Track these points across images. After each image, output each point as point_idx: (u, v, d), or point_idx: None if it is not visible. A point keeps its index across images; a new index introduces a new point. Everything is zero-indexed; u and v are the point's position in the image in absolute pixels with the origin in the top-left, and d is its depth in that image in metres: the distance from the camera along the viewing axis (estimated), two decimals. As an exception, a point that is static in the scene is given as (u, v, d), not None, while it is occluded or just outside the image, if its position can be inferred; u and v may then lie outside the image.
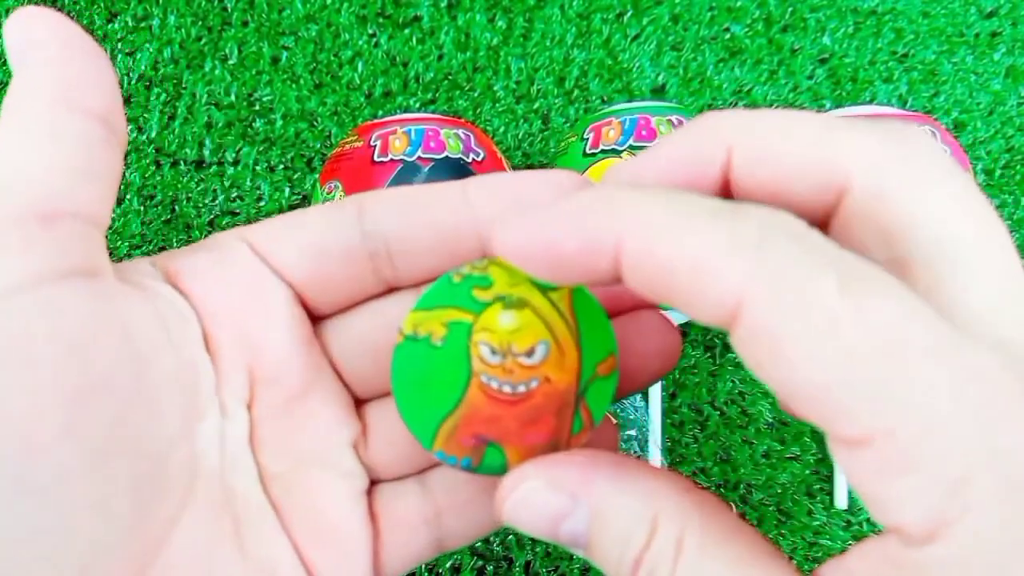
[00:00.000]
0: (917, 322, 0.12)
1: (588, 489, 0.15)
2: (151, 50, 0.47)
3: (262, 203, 0.45)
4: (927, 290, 0.13)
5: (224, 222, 0.45)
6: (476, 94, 0.47)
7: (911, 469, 0.11)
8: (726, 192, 0.15)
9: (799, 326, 0.12)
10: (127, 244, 0.45)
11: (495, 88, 0.47)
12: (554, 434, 0.16)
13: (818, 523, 0.42)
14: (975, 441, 0.11)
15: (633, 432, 0.42)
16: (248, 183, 0.46)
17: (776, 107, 0.46)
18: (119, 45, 0.47)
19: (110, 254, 0.50)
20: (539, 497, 0.15)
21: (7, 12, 0.47)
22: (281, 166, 0.46)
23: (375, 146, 0.37)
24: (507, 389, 0.16)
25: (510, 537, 0.42)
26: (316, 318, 0.19)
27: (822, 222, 0.15)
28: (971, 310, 0.13)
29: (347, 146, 0.38)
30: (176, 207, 0.45)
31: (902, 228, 0.13)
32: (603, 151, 0.37)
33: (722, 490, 0.42)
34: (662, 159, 0.15)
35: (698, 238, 0.12)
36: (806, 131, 0.14)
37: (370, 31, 0.47)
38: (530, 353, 0.16)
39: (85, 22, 0.47)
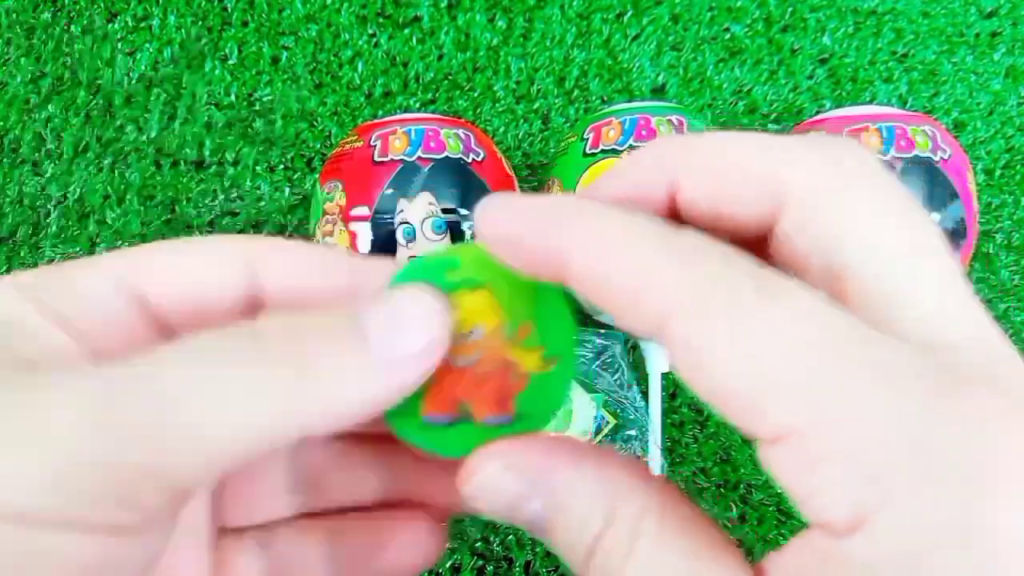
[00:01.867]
0: (830, 323, 0.12)
1: (547, 474, 0.15)
2: (151, 50, 0.47)
3: (262, 203, 0.45)
4: (860, 299, 0.13)
5: (224, 222, 0.45)
6: (476, 94, 0.47)
7: (826, 463, 0.12)
8: (674, 215, 0.16)
9: (717, 330, 0.12)
10: (127, 244, 0.45)
11: (495, 88, 0.47)
12: (500, 390, 0.19)
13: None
14: (890, 434, 0.11)
15: (633, 432, 0.42)
16: (248, 183, 0.46)
17: (778, 109, 0.46)
18: (119, 45, 0.47)
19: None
20: (498, 481, 0.16)
21: (7, 12, 0.47)
22: (281, 166, 0.46)
23: (375, 146, 0.37)
24: (460, 362, 0.18)
25: (510, 537, 0.42)
26: None
27: (763, 237, 0.15)
28: (903, 316, 0.13)
29: (347, 146, 0.38)
30: (176, 207, 0.45)
31: (835, 241, 0.14)
32: (603, 151, 0.37)
33: (722, 490, 0.42)
34: (612, 188, 0.16)
35: (633, 256, 0.13)
36: (743, 149, 0.15)
37: (370, 31, 0.47)
38: (476, 331, 0.19)
39: (85, 22, 0.47)
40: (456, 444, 0.18)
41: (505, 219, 0.15)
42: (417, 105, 0.47)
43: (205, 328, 0.15)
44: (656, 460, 0.42)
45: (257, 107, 0.46)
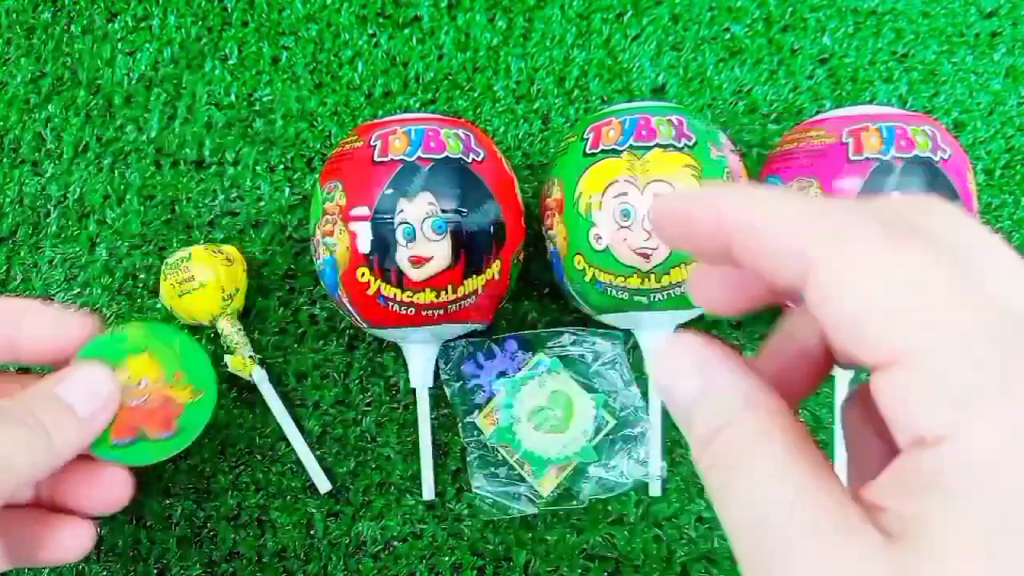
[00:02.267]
0: (943, 266, 0.14)
1: (708, 362, 0.18)
2: (151, 50, 0.47)
3: (262, 203, 0.45)
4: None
5: (224, 222, 0.45)
6: (476, 94, 0.47)
7: (929, 382, 0.14)
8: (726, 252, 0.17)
9: (851, 264, 0.15)
10: (127, 244, 0.45)
11: (495, 88, 0.47)
12: (165, 416, 0.31)
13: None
14: (988, 361, 0.13)
15: (633, 432, 0.42)
16: (248, 183, 0.46)
17: (778, 109, 0.46)
18: (119, 45, 0.47)
19: (111, 254, 0.50)
20: (679, 360, 0.19)
21: (7, 12, 0.47)
22: (281, 166, 0.46)
23: (375, 146, 0.37)
24: (134, 403, 0.31)
25: (510, 536, 0.42)
26: None
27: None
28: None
29: (347, 146, 0.38)
30: (176, 207, 0.45)
31: (850, 326, 0.15)
32: (603, 151, 0.37)
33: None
34: (675, 209, 0.19)
35: (781, 209, 0.16)
36: (776, 217, 0.16)
37: (370, 31, 0.47)
38: (143, 381, 0.31)
39: (85, 22, 0.47)
40: (138, 456, 0.31)
41: (674, 202, 0.18)
42: (417, 105, 0.47)
43: None
44: (656, 460, 0.42)
45: (257, 107, 0.46)
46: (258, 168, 0.46)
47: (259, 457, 0.43)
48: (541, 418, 0.41)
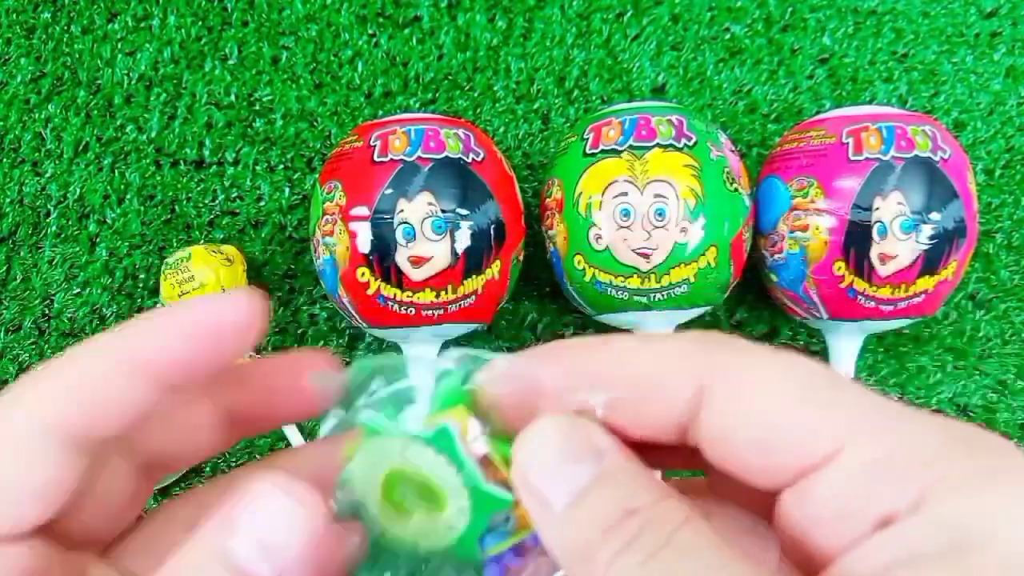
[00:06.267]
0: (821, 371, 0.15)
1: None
2: (151, 50, 0.47)
3: (262, 203, 0.45)
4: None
5: (224, 222, 0.45)
6: (476, 94, 0.47)
7: (881, 461, 0.14)
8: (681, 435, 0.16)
9: (755, 377, 0.15)
10: (127, 244, 0.45)
11: (495, 88, 0.47)
12: None
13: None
14: (926, 435, 0.14)
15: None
16: (248, 183, 0.46)
17: (779, 109, 0.46)
18: (119, 45, 0.47)
19: (111, 254, 0.49)
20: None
21: (7, 12, 0.47)
22: (281, 166, 0.46)
23: (375, 146, 0.37)
24: None
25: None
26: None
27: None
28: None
29: (347, 146, 0.38)
30: (176, 207, 0.45)
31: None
32: (603, 151, 0.37)
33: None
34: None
35: (654, 348, 0.16)
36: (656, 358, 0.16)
37: (370, 31, 0.47)
38: None
39: (85, 22, 0.47)
40: None
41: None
42: (417, 105, 0.47)
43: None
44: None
45: (257, 107, 0.46)
46: (258, 168, 0.46)
47: (259, 457, 0.43)
48: None
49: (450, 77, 0.47)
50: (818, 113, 0.41)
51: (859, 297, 0.37)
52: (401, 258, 0.36)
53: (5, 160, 0.46)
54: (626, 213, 0.36)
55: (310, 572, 0.15)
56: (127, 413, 0.16)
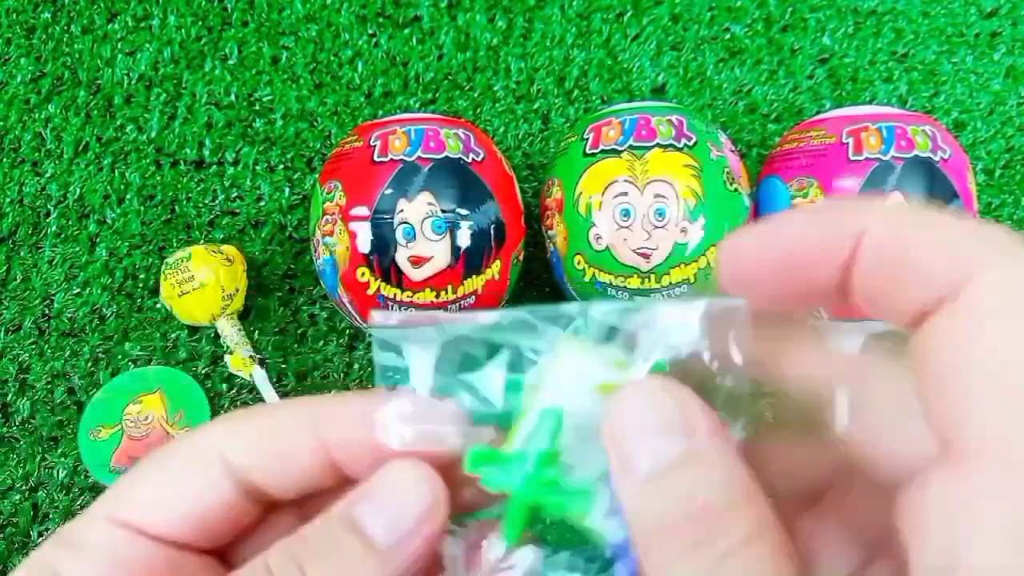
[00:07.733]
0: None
1: None
2: (151, 50, 0.47)
3: (262, 203, 0.45)
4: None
5: (224, 222, 0.45)
6: (476, 94, 0.47)
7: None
8: (843, 280, 0.15)
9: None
10: (127, 244, 0.45)
11: (495, 88, 0.47)
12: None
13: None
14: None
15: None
16: (248, 183, 0.46)
17: (779, 109, 0.46)
18: (119, 45, 0.47)
19: (111, 254, 0.49)
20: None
21: (7, 12, 0.47)
22: (281, 166, 0.46)
23: (375, 146, 0.37)
24: (138, 434, 0.37)
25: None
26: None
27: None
28: None
29: (347, 146, 0.38)
30: (176, 207, 0.45)
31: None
32: (603, 151, 0.37)
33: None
34: (788, 236, 0.15)
35: (927, 223, 0.14)
36: (944, 235, 0.14)
37: (370, 31, 0.47)
38: (148, 416, 0.36)
39: (85, 22, 0.47)
40: None
41: (771, 232, 0.15)
42: (417, 105, 0.47)
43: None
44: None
45: (257, 107, 0.46)
46: (258, 168, 0.46)
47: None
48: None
49: (450, 77, 0.47)
50: (818, 113, 0.41)
51: (859, 297, 0.37)
52: (401, 258, 0.36)
53: (5, 160, 0.46)
54: (626, 213, 0.36)
55: (421, 554, 0.16)
56: (298, 480, 0.18)
